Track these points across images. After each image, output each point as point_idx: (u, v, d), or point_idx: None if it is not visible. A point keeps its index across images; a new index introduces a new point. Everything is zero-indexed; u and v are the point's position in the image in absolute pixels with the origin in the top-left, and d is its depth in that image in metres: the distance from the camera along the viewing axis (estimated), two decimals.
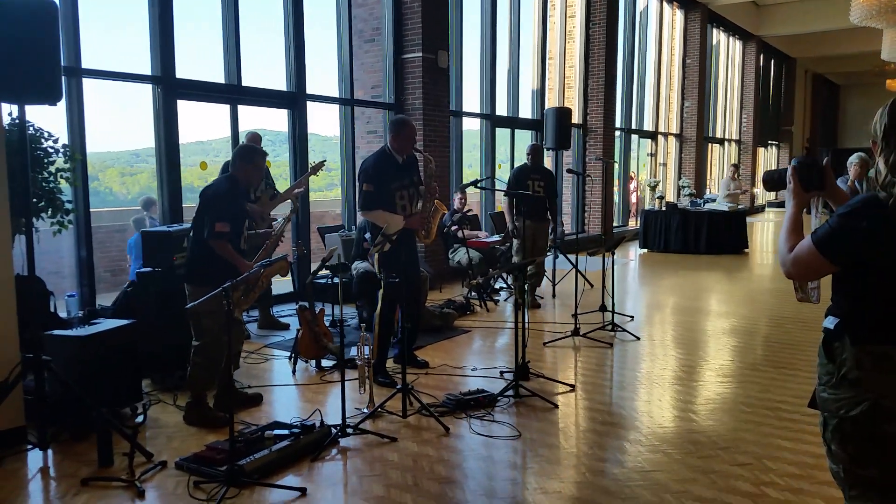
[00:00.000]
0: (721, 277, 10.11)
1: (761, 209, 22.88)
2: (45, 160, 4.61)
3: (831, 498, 3.24)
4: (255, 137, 6.43)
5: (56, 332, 4.22)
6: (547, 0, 12.21)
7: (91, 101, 6.05)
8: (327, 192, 14.31)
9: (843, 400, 2.06)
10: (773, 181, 2.38)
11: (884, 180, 2.02)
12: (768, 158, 24.32)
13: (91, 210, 6.22)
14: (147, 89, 6.64)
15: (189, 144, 7.04)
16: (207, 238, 4.09)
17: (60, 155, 4.72)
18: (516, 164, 8.72)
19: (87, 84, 6.05)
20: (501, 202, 9.09)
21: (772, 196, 24.35)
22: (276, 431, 3.85)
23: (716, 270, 10.61)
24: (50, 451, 3.83)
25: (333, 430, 3.93)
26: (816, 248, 2.05)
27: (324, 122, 17.34)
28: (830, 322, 2.12)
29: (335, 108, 8.79)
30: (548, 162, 12.37)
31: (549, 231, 7.67)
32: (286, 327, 6.60)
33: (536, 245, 7.43)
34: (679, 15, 16.72)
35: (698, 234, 12.36)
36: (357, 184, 5.17)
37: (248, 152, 4.39)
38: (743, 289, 9.28)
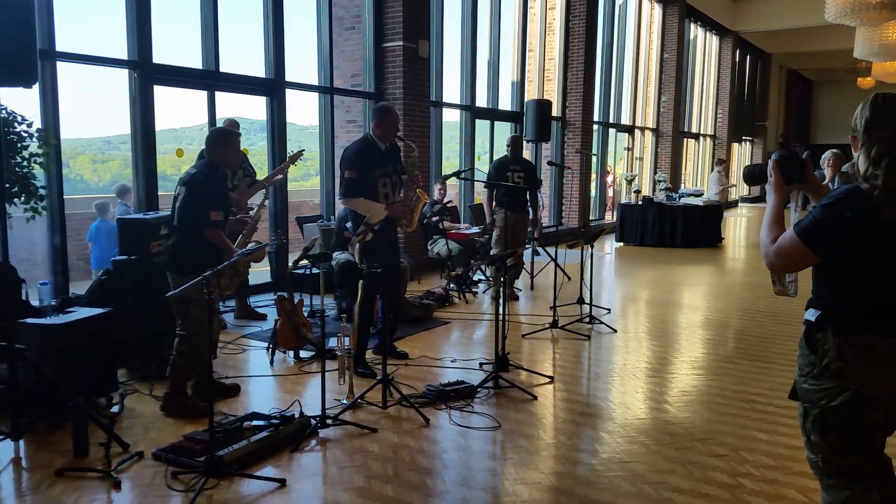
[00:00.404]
0: (696, 271, 10.23)
1: (735, 204, 23.16)
2: (19, 145, 4.50)
3: (806, 489, 3.30)
4: (232, 124, 6.35)
5: (30, 320, 4.14)
6: None
7: (65, 86, 5.93)
8: (303, 182, 14.21)
9: (825, 390, 2.10)
10: (754, 175, 2.42)
11: (865, 172, 2.07)
12: (742, 153, 24.62)
13: (65, 197, 6.10)
14: (123, 74, 6.52)
15: (163, 132, 6.93)
16: (204, 227, 4.04)
17: (35, 139, 4.61)
18: (496, 156, 8.72)
19: (61, 68, 5.93)
20: (481, 194, 9.09)
21: (745, 191, 24.70)
22: (255, 422, 3.82)
23: (691, 264, 10.73)
24: (23, 442, 3.76)
25: (313, 421, 3.91)
26: (800, 239, 2.08)
27: (302, 110, 17.20)
28: (812, 314, 2.15)
29: (314, 96, 8.71)
30: (527, 154, 12.41)
31: (530, 222, 7.68)
32: (263, 318, 6.55)
33: (516, 237, 7.45)
34: (657, 9, 16.81)
35: (674, 228, 12.49)
36: (338, 172, 5.12)
37: (224, 135, 4.30)
38: (717, 282, 9.40)
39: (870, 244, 2.02)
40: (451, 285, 7.75)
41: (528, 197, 7.53)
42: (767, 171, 2.30)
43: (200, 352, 4.11)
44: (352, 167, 4.75)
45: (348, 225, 4.84)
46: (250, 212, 5.62)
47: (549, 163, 9.50)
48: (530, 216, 7.65)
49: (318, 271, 4.10)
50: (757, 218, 19.22)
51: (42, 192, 4.72)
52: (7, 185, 4.41)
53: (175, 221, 4.20)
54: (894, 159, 2.03)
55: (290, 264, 4.67)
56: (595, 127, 14.10)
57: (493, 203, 7.45)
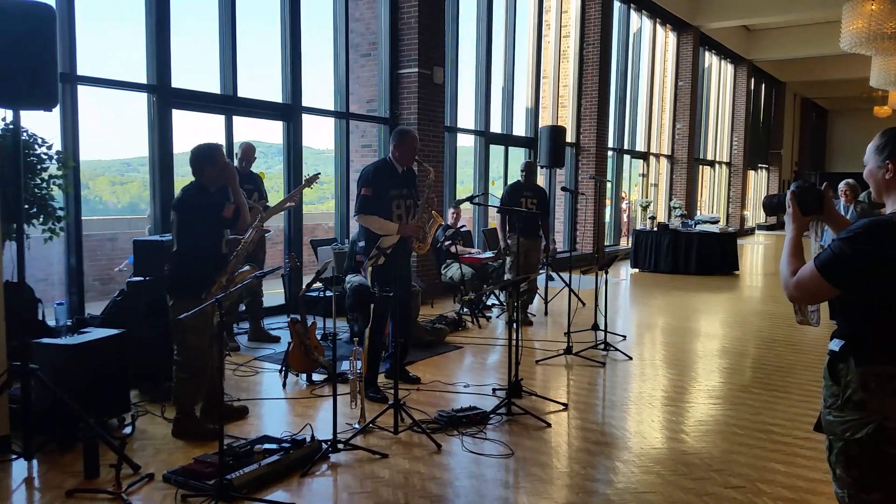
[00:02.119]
0: (711, 298, 10.14)
1: (751, 231, 23.03)
2: (39, 166, 4.57)
3: None
4: (248, 148, 6.42)
5: (44, 340, 4.16)
6: (542, 19, 12.31)
7: (85, 109, 6.03)
8: (319, 206, 14.29)
9: (848, 422, 2.06)
10: (773, 206, 2.42)
11: None
12: (758, 181, 24.53)
13: (82, 218, 6.16)
14: (142, 98, 6.62)
15: (181, 155, 7.01)
16: (225, 228, 4.18)
17: (54, 161, 4.67)
18: (509, 181, 8.73)
19: (82, 91, 6.02)
20: (494, 219, 9.10)
21: (761, 219, 24.56)
22: (266, 445, 3.80)
23: (706, 291, 10.64)
24: (35, 462, 3.76)
25: (324, 446, 3.88)
26: (819, 273, 2.07)
27: (318, 135, 17.35)
28: (836, 344, 2.13)
29: (330, 121, 8.79)
30: (541, 180, 12.42)
31: (542, 248, 7.67)
32: (276, 340, 6.55)
33: (528, 261, 7.43)
34: (672, 37, 16.90)
35: (688, 255, 12.42)
36: (354, 191, 5.16)
37: (209, 153, 4.17)
38: (733, 310, 9.31)
39: (889, 276, 2.01)
40: (464, 310, 7.72)
41: (540, 223, 7.52)
42: (786, 202, 2.29)
43: (200, 375, 4.11)
44: (368, 185, 4.78)
45: (361, 244, 4.84)
46: (265, 234, 5.65)
47: (563, 188, 9.48)
48: (543, 242, 7.64)
49: (330, 294, 4.09)
50: (773, 245, 19.07)
51: (60, 213, 4.77)
52: (26, 206, 4.46)
53: (175, 248, 4.19)
54: None
55: (303, 287, 4.66)
56: (609, 153, 14.11)
57: (507, 228, 7.45)
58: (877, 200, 2.22)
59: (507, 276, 7.49)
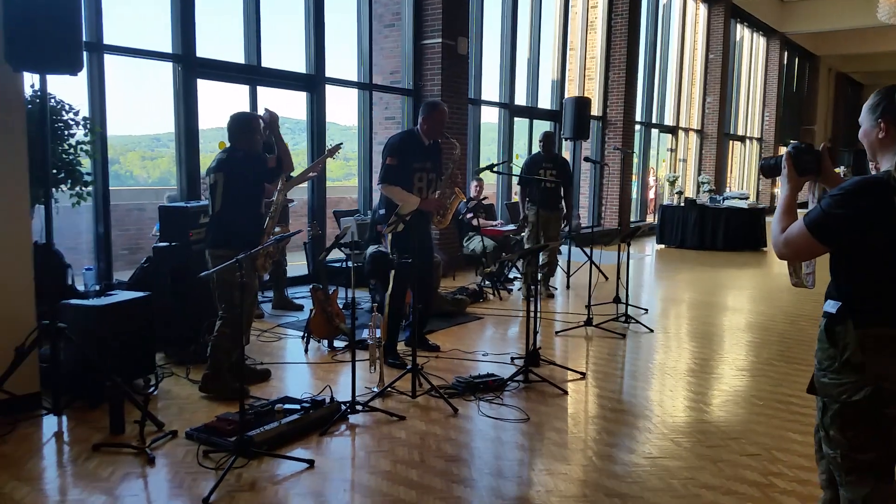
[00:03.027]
0: (738, 274, 10.03)
1: None
2: (66, 132, 4.65)
3: None
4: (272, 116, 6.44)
5: (72, 301, 4.27)
6: None
7: (112, 79, 6.10)
8: (345, 182, 14.33)
9: (846, 385, 2.06)
10: (770, 168, 2.42)
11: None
12: None
13: (110, 188, 6.26)
14: (167, 69, 6.67)
15: (208, 130, 7.08)
16: (271, 180, 4.39)
17: (81, 127, 4.75)
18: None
19: (109, 61, 6.10)
20: (516, 192, 9.07)
21: None
22: (287, 406, 3.88)
23: (732, 267, 10.53)
24: (64, 418, 3.89)
25: (343, 407, 3.95)
26: (808, 230, 2.08)
27: (342, 110, 17.35)
28: (832, 306, 2.12)
29: (354, 95, 8.78)
30: (566, 153, 12.33)
31: (563, 221, 7.58)
32: (300, 308, 6.64)
33: (547, 234, 7.38)
34: (702, 9, 16.54)
35: (715, 231, 12.27)
36: (377, 163, 5.18)
37: (245, 122, 4.36)
38: (760, 286, 9.21)
39: (883, 234, 2.00)
40: (486, 282, 7.74)
41: (562, 194, 7.46)
42: (782, 163, 2.30)
43: (241, 333, 4.18)
44: (393, 154, 4.81)
45: (381, 213, 4.87)
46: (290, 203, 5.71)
47: (586, 159, 9.37)
48: (563, 214, 7.57)
49: (351, 265, 4.14)
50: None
51: (87, 178, 4.86)
52: (54, 171, 4.55)
53: (217, 208, 4.27)
54: None
55: (323, 252, 4.71)
56: (637, 127, 13.94)
57: (527, 200, 7.40)
58: (871, 161, 2.19)
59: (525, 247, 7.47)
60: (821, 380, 2.14)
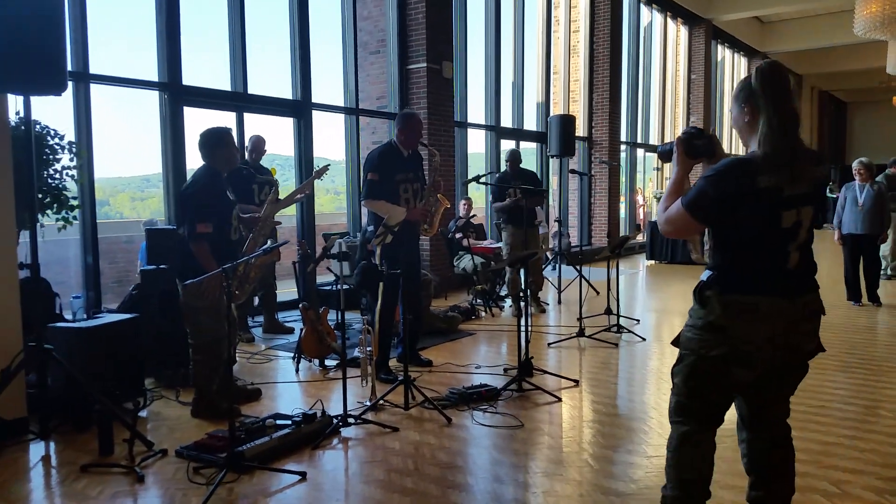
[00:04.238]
0: None
1: None
2: (52, 157, 4.65)
3: (837, 481, 3.20)
4: (259, 140, 6.49)
5: (59, 324, 4.23)
6: (551, 14, 12.33)
7: (99, 114, 6.13)
8: (336, 212, 14.35)
9: (706, 341, 2.32)
10: (666, 153, 2.57)
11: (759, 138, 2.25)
12: None
13: (98, 221, 6.23)
14: (154, 98, 6.70)
15: (197, 162, 7.10)
16: (188, 238, 4.03)
17: (66, 152, 4.76)
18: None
19: (95, 92, 6.12)
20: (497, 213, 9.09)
21: None
22: (278, 421, 3.83)
23: None
24: (51, 442, 3.83)
25: (335, 420, 3.91)
26: (684, 209, 2.30)
27: (329, 142, 17.44)
28: (705, 275, 2.36)
29: (341, 122, 8.85)
30: (553, 180, 12.43)
31: (542, 235, 7.56)
32: (290, 331, 6.60)
33: (528, 249, 7.36)
34: (683, 31, 16.83)
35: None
36: (361, 176, 5.20)
37: (215, 136, 4.18)
38: None
39: (747, 211, 2.20)
40: (478, 300, 7.72)
41: (536, 208, 7.39)
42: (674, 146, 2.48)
43: (216, 357, 4.12)
44: (374, 169, 4.82)
45: (370, 230, 4.87)
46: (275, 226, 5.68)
47: (571, 171, 9.45)
48: (542, 226, 7.55)
49: (343, 287, 4.11)
50: None
51: (73, 202, 4.85)
52: (40, 196, 4.54)
53: (180, 232, 4.21)
54: (771, 126, 2.20)
55: (312, 263, 4.70)
56: (622, 147, 14.07)
57: (502, 220, 7.41)
58: (745, 146, 2.36)
59: (506, 270, 7.45)
60: (686, 334, 2.39)
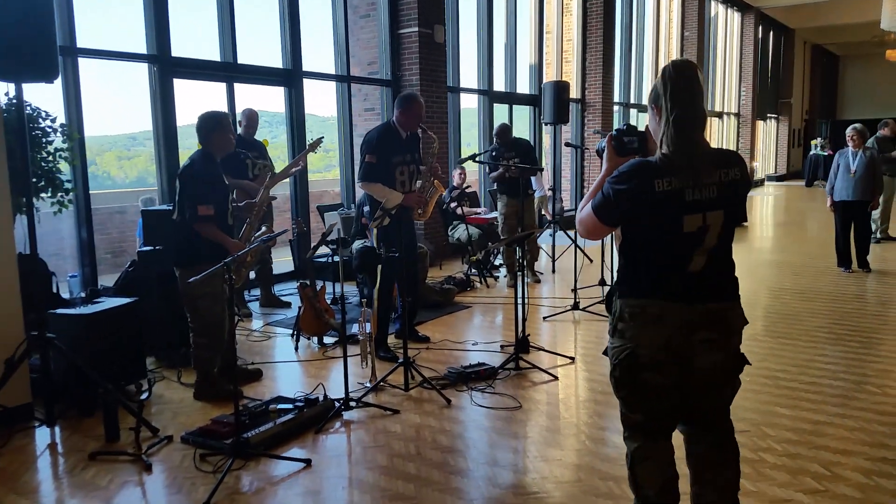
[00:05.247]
0: None
1: (760, 183, 22.85)
2: (44, 140, 4.60)
3: (829, 462, 3.29)
4: (252, 114, 6.42)
5: (60, 311, 4.25)
6: None
7: (87, 82, 6.04)
8: (325, 174, 14.29)
9: (615, 348, 2.27)
10: (600, 151, 2.51)
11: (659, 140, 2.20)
12: (768, 131, 24.24)
13: (91, 192, 6.20)
14: (143, 69, 6.61)
15: (186, 127, 7.02)
16: (191, 222, 4.05)
17: (59, 134, 4.71)
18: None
19: (83, 64, 6.03)
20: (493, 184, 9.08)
21: (771, 170, 24.33)
22: (280, 405, 3.90)
23: None
24: (57, 428, 3.88)
25: (337, 404, 3.98)
26: (592, 211, 2.26)
27: (321, 101, 17.25)
28: (614, 279, 2.29)
29: (332, 86, 8.75)
30: (546, 138, 12.36)
31: (538, 203, 7.57)
32: (288, 306, 6.64)
33: (524, 221, 7.37)
34: None
35: None
36: (358, 156, 5.17)
37: (214, 120, 4.18)
38: (742, 261, 9.24)
39: (644, 214, 2.16)
40: (472, 270, 7.77)
41: (531, 178, 7.37)
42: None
43: (217, 340, 4.19)
44: (372, 151, 4.80)
45: (366, 209, 4.88)
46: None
47: (567, 143, 9.41)
48: (536, 197, 7.57)
49: (338, 259, 4.15)
50: (784, 196, 18.94)
51: (67, 185, 4.82)
52: (34, 180, 4.51)
53: (175, 216, 4.22)
54: (669, 126, 2.13)
55: (310, 251, 4.72)
56: (616, 108, 13.99)
57: (497, 192, 7.40)
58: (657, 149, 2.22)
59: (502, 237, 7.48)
60: (607, 343, 2.35)
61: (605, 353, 2.38)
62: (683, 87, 2.14)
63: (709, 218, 2.17)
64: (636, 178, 2.13)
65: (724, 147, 20.51)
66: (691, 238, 2.17)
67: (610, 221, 2.24)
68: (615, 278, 2.29)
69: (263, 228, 4.32)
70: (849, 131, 7.99)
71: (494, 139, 7.40)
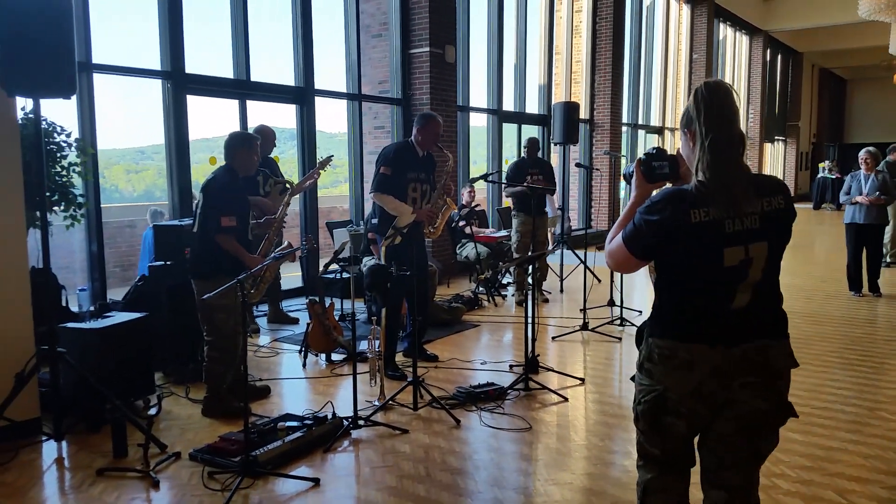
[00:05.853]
0: None
1: None
2: (59, 154, 4.64)
3: (843, 490, 3.25)
4: (266, 131, 6.43)
5: (70, 325, 4.25)
6: None
7: (101, 97, 6.08)
8: (332, 189, 14.33)
9: (642, 385, 2.14)
10: (630, 176, 2.31)
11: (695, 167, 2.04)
12: (775, 154, 24.26)
13: (101, 206, 6.23)
14: (156, 85, 6.66)
15: (196, 141, 7.07)
16: (213, 233, 4.09)
17: (73, 149, 4.74)
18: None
19: (98, 79, 6.07)
20: (508, 198, 9.10)
21: None
22: (289, 423, 3.88)
23: None
24: (65, 443, 3.86)
25: (345, 422, 3.96)
26: (623, 243, 2.09)
27: (330, 118, 17.33)
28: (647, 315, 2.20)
29: (342, 104, 8.80)
30: (554, 158, 12.38)
31: (550, 224, 7.61)
32: (296, 322, 6.64)
33: (536, 238, 7.40)
34: (685, 9, 16.67)
35: None
36: (368, 173, 5.20)
37: (243, 139, 4.31)
38: None
39: (677, 247, 2.00)
40: (480, 289, 7.76)
41: (545, 198, 7.44)
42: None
43: (230, 355, 4.19)
44: (388, 164, 4.84)
45: (374, 222, 4.90)
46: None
47: (577, 164, 9.44)
48: (549, 216, 7.60)
49: (348, 276, 4.15)
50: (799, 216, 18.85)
51: (80, 200, 4.84)
52: (48, 194, 4.54)
53: (195, 228, 4.26)
54: (705, 152, 1.98)
55: (321, 268, 4.73)
56: (624, 129, 14.02)
57: (512, 207, 7.43)
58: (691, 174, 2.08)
59: (514, 256, 7.48)
60: (635, 373, 2.20)
61: (632, 379, 2.25)
62: (718, 108, 1.99)
63: (751, 250, 1.98)
64: (670, 207, 1.96)
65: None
66: (733, 273, 1.98)
67: (642, 254, 2.07)
68: (649, 316, 2.13)
69: (286, 243, 4.34)
70: (862, 154, 7.98)
71: (523, 151, 7.49)
